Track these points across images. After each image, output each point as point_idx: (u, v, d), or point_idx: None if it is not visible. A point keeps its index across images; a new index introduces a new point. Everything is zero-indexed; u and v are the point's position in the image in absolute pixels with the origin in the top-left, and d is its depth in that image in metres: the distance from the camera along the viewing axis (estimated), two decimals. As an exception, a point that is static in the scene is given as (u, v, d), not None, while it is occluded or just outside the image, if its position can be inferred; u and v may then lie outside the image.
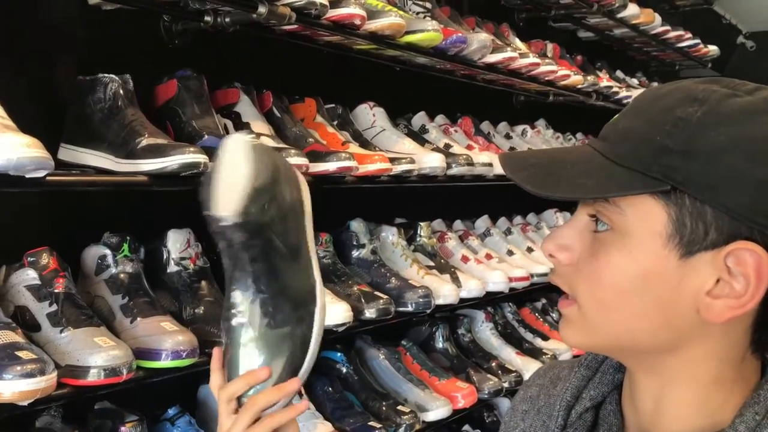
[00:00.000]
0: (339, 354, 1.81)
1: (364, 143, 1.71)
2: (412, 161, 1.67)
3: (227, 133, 1.42)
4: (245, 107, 1.45)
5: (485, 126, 2.37)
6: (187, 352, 1.17)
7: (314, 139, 1.50)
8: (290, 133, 1.49)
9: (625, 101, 2.82)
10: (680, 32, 3.14)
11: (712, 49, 3.50)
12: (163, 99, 1.38)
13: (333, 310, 1.46)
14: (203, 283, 1.35)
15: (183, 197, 1.38)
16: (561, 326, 0.64)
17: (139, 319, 1.21)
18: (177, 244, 1.36)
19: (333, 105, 1.76)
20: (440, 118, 2.15)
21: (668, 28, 3.00)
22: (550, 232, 0.66)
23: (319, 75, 1.87)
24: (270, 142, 1.39)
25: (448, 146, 1.98)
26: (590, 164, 0.59)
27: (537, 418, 0.72)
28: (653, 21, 2.86)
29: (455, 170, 1.84)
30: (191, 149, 1.17)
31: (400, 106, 2.08)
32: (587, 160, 0.59)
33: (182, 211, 1.20)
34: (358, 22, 1.50)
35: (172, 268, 1.35)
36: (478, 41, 1.84)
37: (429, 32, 1.65)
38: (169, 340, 1.17)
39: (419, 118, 2.05)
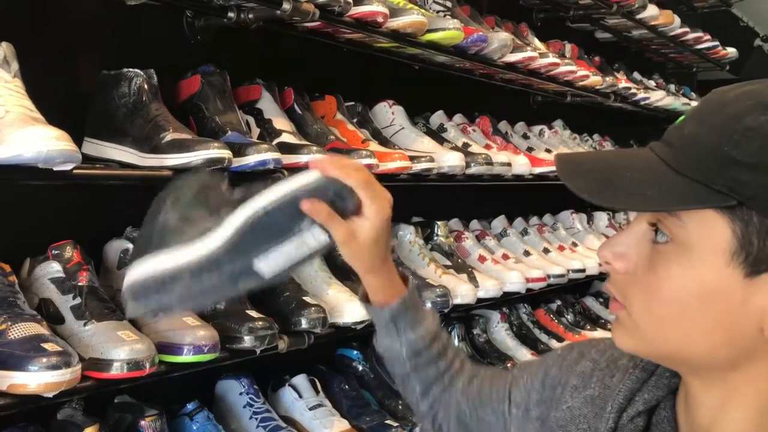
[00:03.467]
0: (355, 352, 1.81)
1: (384, 141, 1.71)
2: (432, 160, 1.67)
3: (249, 129, 1.43)
4: (267, 104, 1.45)
5: (503, 126, 2.36)
6: (209, 347, 1.17)
7: (335, 137, 1.50)
8: (311, 131, 1.49)
9: (642, 102, 2.81)
10: (699, 34, 3.11)
11: (731, 51, 3.47)
12: (186, 94, 1.38)
13: (350, 308, 1.45)
14: (224, 278, 1.35)
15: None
16: (613, 329, 0.62)
17: (161, 314, 1.21)
18: (198, 239, 1.36)
19: (353, 103, 1.75)
20: (458, 117, 2.15)
21: (687, 29, 2.98)
22: (608, 238, 0.63)
23: (338, 73, 1.87)
24: (291, 139, 1.39)
25: (466, 145, 1.97)
26: (650, 173, 0.56)
27: (586, 406, 0.69)
28: (673, 22, 2.85)
29: (474, 169, 1.84)
30: (216, 144, 1.17)
31: (419, 105, 2.07)
32: (647, 168, 0.56)
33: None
34: (380, 19, 1.50)
35: (193, 263, 1.35)
36: (498, 40, 1.83)
37: (450, 30, 1.65)
38: (190, 335, 1.17)
39: (438, 117, 2.05)
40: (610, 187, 0.57)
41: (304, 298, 1.39)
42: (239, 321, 1.26)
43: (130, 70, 1.26)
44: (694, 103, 3.27)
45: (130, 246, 1.27)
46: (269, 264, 0.73)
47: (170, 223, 0.74)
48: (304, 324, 1.36)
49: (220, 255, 0.72)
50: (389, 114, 1.83)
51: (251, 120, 1.43)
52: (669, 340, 0.57)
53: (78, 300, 1.13)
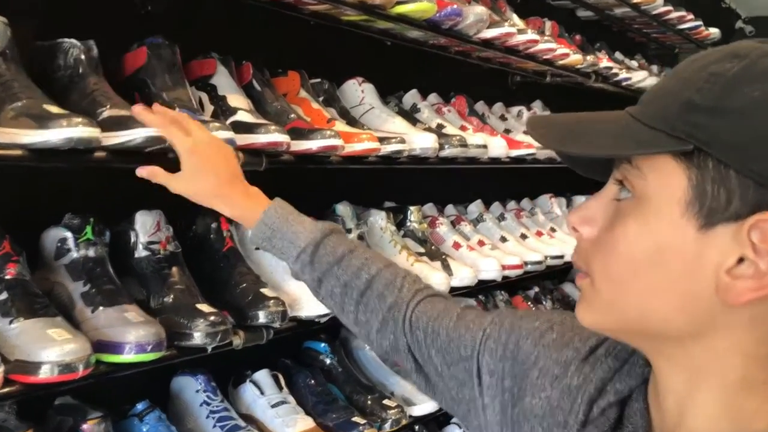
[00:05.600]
0: (323, 344, 1.72)
1: (352, 121, 1.60)
2: (403, 141, 1.56)
3: (201, 106, 1.31)
4: (222, 79, 1.34)
5: (480, 106, 2.26)
6: (153, 346, 1.07)
7: (297, 116, 1.39)
8: (271, 108, 1.38)
9: (624, 83, 2.72)
10: (682, 13, 3.03)
11: (713, 32, 3.40)
12: (131, 68, 1.26)
13: (313, 300, 1.35)
14: (174, 269, 1.24)
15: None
16: (577, 305, 0.59)
17: (101, 308, 1.10)
18: (146, 226, 1.25)
19: (319, 80, 1.64)
20: (433, 97, 2.04)
21: (670, 8, 2.90)
22: (576, 206, 0.59)
23: (304, 48, 1.75)
24: (248, 118, 1.28)
25: (440, 126, 1.87)
26: (615, 124, 0.55)
27: (563, 398, 0.65)
28: (655, 0, 2.76)
29: (448, 152, 1.74)
30: (158, 122, 1.06)
31: (391, 83, 1.96)
32: (613, 121, 0.56)
33: (152, 190, 1.09)
34: (345, -12, 1.39)
35: (140, 252, 1.24)
36: (474, 14, 1.73)
37: (422, 2, 1.54)
38: (133, 332, 1.06)
39: (411, 97, 1.94)
40: (571, 136, 0.56)
41: (262, 290, 1.29)
42: (188, 316, 1.16)
43: (66, 40, 1.14)
44: (676, 85, 3.19)
45: (69, 235, 1.16)
46: None
47: None
48: (261, 318, 1.26)
49: None
50: (359, 92, 1.72)
51: (204, 97, 1.32)
52: (626, 302, 0.55)
53: (5, 295, 1.02)
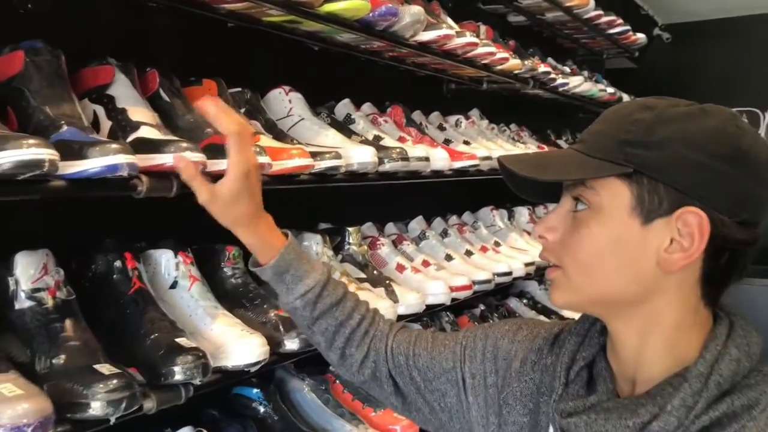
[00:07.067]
0: (255, 390, 1.50)
1: (280, 135, 1.41)
2: (339, 156, 1.38)
3: (97, 122, 1.09)
4: (121, 89, 1.12)
5: (417, 116, 2.11)
6: (34, 426, 0.83)
7: (214, 130, 1.18)
8: (182, 122, 1.17)
9: (561, 89, 2.64)
10: (612, 17, 2.99)
11: (641, 37, 3.39)
12: (3, 76, 1.03)
13: (242, 346, 1.15)
14: (67, 322, 1.01)
15: (37, 207, 1.04)
16: (550, 290, 0.80)
17: (-34, 380, 0.86)
18: (28, 270, 1.02)
19: (240, 89, 1.44)
20: (367, 107, 1.87)
21: (601, 12, 2.85)
22: (540, 219, 0.76)
23: (223, 53, 1.55)
24: (154, 134, 1.06)
25: (378, 138, 1.70)
26: (571, 158, 0.76)
27: (545, 374, 0.87)
28: (588, 4, 2.70)
29: (388, 166, 1.57)
30: (32, 142, 0.84)
31: (319, 93, 1.78)
32: (569, 155, 0.77)
33: (36, 225, 0.87)
34: (266, -18, 1.20)
35: (22, 303, 1.01)
36: (410, 15, 1.57)
37: (354, 1, 1.37)
38: (7, 411, 0.83)
39: (343, 107, 1.76)
40: (542, 167, 0.77)
41: (178, 340, 1.07)
42: (84, 380, 0.93)
43: None
44: (609, 89, 3.16)
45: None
46: None
47: None
48: (178, 375, 1.04)
49: None
50: (286, 102, 1.53)
51: (100, 110, 1.10)
52: (594, 282, 0.75)
53: None
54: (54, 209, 1.12)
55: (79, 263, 1.16)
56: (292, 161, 1.25)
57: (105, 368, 0.96)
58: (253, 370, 1.18)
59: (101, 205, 1.19)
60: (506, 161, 0.77)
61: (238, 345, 1.15)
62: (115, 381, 0.94)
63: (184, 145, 1.04)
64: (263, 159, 1.15)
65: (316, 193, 1.66)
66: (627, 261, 0.73)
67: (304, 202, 1.73)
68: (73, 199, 0.98)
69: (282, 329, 1.27)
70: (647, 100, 0.75)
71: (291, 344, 1.27)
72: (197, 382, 1.06)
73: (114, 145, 0.93)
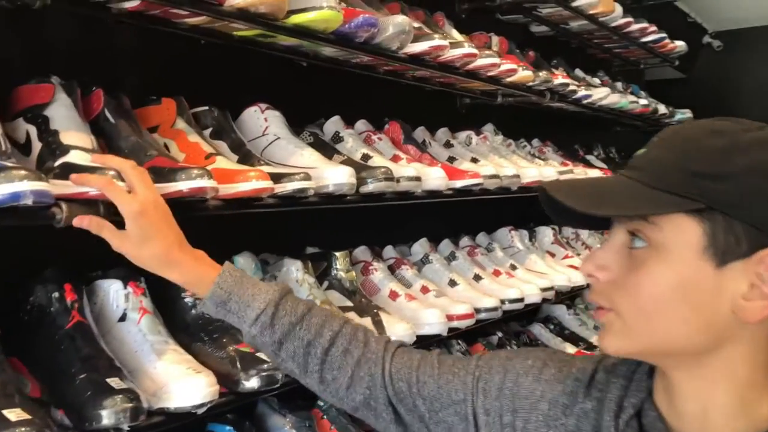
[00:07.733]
0: (228, 428, 1.41)
1: (247, 155, 1.32)
2: (307, 177, 1.28)
3: (29, 142, 1.03)
4: (59, 110, 1.05)
5: (420, 133, 1.99)
6: None
7: (159, 152, 1.10)
8: (125, 144, 1.09)
9: (585, 101, 2.48)
10: (644, 24, 2.82)
11: (679, 44, 3.19)
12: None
13: (186, 386, 1.05)
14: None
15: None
16: (601, 335, 0.72)
17: None
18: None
19: (206, 108, 1.37)
20: (361, 124, 1.77)
21: (630, 19, 2.68)
22: (588, 254, 0.78)
23: (200, 73, 1.48)
24: (82, 159, 0.99)
25: (366, 157, 1.60)
26: (629, 189, 0.68)
27: (581, 421, 0.78)
28: (613, 11, 2.53)
29: (371, 186, 1.46)
30: None
31: (322, 111, 1.69)
32: (626, 186, 0.69)
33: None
34: (217, -7, 1.12)
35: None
36: (394, 25, 1.47)
37: (323, 11, 1.28)
38: None
39: (332, 124, 1.67)
40: (597, 199, 0.69)
41: (109, 380, 0.98)
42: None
43: None
44: (642, 101, 2.97)
45: None
46: None
47: None
48: (105, 419, 0.95)
49: None
50: (261, 121, 1.45)
51: (33, 131, 1.03)
52: (655, 331, 0.68)
53: None
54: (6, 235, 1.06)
55: (21, 294, 1.10)
56: (248, 184, 1.16)
57: (14, 413, 0.88)
58: (199, 412, 1.09)
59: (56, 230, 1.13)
60: (552, 190, 0.69)
61: (181, 385, 1.06)
62: (23, 429, 0.86)
63: (112, 173, 0.96)
64: (207, 183, 1.06)
65: (325, 215, 1.57)
66: (696, 308, 0.66)
67: (312, 225, 1.65)
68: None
69: (239, 366, 1.17)
70: (714, 122, 0.67)
71: (249, 383, 1.17)
72: (125, 427, 0.97)
73: (21, 172, 0.86)
